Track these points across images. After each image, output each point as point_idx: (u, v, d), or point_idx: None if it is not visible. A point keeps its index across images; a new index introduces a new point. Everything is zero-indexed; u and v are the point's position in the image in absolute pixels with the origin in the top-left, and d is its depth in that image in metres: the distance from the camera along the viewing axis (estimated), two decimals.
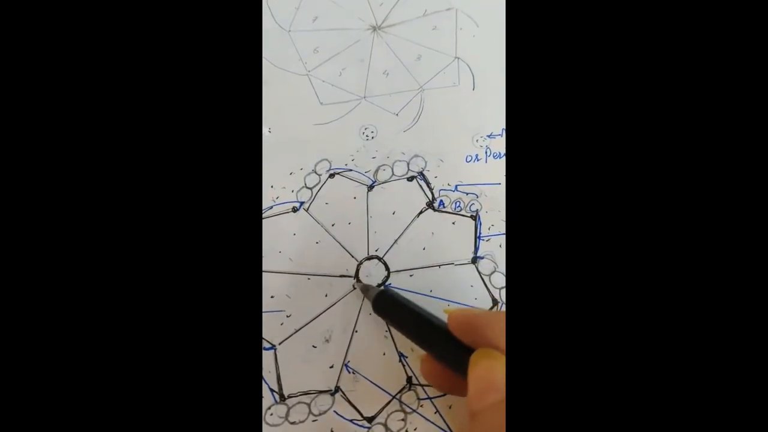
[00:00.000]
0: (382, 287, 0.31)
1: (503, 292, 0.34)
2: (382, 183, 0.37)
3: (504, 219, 0.36)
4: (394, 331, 0.33)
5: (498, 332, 0.23)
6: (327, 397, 0.31)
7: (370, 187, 0.37)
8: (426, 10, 0.44)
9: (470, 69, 0.41)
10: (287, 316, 0.33)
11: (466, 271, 0.35)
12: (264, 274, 0.33)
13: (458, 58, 0.42)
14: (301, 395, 0.31)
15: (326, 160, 0.37)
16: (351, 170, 0.37)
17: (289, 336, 0.32)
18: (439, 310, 0.32)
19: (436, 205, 0.37)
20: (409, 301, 0.29)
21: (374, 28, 0.43)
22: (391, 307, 0.30)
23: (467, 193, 0.37)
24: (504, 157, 0.38)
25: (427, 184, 0.37)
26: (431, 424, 0.31)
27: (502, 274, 0.34)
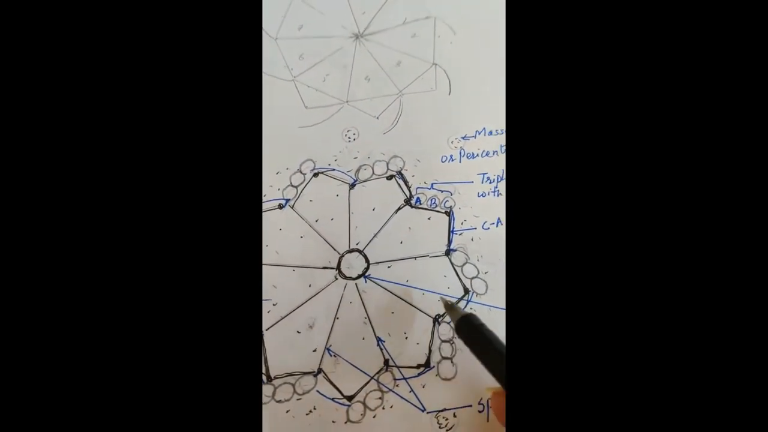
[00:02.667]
0: (468, 313, 0.31)
1: (474, 281, 0.37)
2: (363, 182, 0.40)
3: (476, 215, 0.39)
4: (372, 317, 0.35)
5: None
6: (310, 378, 0.34)
7: (352, 186, 0.40)
8: (406, 19, 0.47)
9: (447, 74, 0.44)
10: (274, 305, 0.36)
11: (439, 263, 0.37)
12: None
13: (436, 65, 0.45)
14: (286, 376, 0.34)
15: (311, 160, 0.40)
16: (334, 170, 0.40)
17: (276, 323, 0.35)
18: (415, 298, 0.35)
19: (413, 202, 0.39)
20: (490, 333, 0.29)
21: (356, 36, 0.46)
22: (473, 334, 0.30)
23: (442, 191, 0.40)
24: (476, 157, 0.41)
25: (405, 182, 0.40)
26: (406, 402, 0.33)
27: (474, 265, 0.37)
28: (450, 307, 0.33)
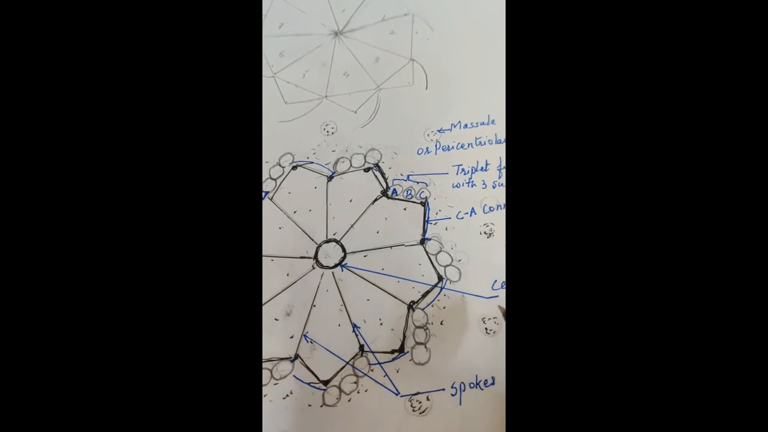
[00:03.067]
0: None
1: (448, 269, 0.38)
2: (341, 174, 0.41)
3: (450, 205, 0.40)
4: (348, 304, 0.36)
5: None
6: (287, 364, 0.35)
7: (330, 178, 0.41)
8: (384, 16, 0.48)
9: (424, 70, 0.45)
10: None
11: (414, 251, 0.38)
12: None
13: (413, 60, 0.46)
14: (264, 362, 0.35)
15: (289, 153, 0.41)
16: (312, 162, 0.41)
17: None
18: (391, 286, 0.36)
19: (389, 193, 0.40)
20: None
21: (336, 33, 0.47)
22: None
23: (418, 182, 0.41)
24: (452, 150, 0.42)
25: (382, 174, 0.41)
26: (380, 386, 0.34)
27: (448, 253, 0.38)
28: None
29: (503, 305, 0.35)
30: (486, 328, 0.35)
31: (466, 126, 0.43)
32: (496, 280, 0.37)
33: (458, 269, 0.38)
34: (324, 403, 0.34)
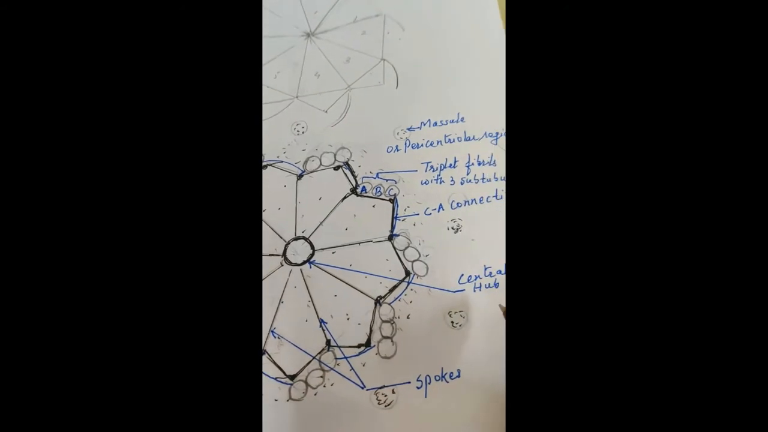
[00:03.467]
0: None
1: (415, 264, 0.38)
2: (311, 172, 0.41)
3: (419, 201, 0.40)
4: (315, 300, 0.37)
5: None
6: None
7: (300, 177, 0.41)
8: (357, 17, 0.49)
9: (395, 69, 0.46)
10: None
11: (382, 247, 0.39)
12: None
13: (384, 60, 0.46)
14: None
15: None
16: (282, 162, 0.42)
17: None
18: (358, 282, 0.37)
19: (358, 190, 0.41)
20: None
21: (308, 35, 0.48)
22: None
23: (387, 180, 0.41)
24: (421, 147, 0.42)
25: (352, 172, 0.41)
26: (346, 380, 0.35)
27: (415, 249, 0.39)
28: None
29: (503, 304, 0.35)
30: (452, 322, 0.36)
31: (435, 124, 0.43)
32: (462, 274, 0.37)
33: (425, 264, 0.38)
34: (290, 398, 0.34)
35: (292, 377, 0.35)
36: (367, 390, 0.34)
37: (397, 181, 0.41)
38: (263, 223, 0.39)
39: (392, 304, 0.37)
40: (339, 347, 0.36)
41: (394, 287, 0.37)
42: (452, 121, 0.43)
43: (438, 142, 0.42)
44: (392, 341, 0.36)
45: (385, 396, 0.34)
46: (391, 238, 0.39)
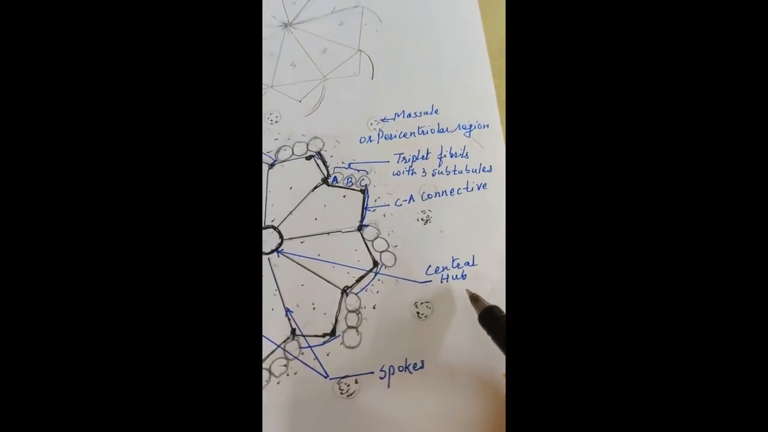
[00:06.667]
0: (491, 305, 0.32)
1: (384, 255, 0.38)
2: (282, 162, 0.41)
3: (390, 192, 0.40)
4: (282, 289, 0.37)
5: None
6: None
7: (271, 166, 0.41)
8: (335, 8, 0.48)
9: (371, 60, 0.46)
10: None
11: (351, 237, 0.39)
12: None
13: (361, 51, 0.46)
14: None
15: None
16: None
17: None
18: (326, 271, 0.36)
19: (330, 181, 0.41)
20: None
21: (285, 25, 0.47)
22: (495, 324, 0.31)
23: (359, 170, 0.41)
24: (394, 138, 0.42)
25: (324, 162, 0.41)
26: (309, 369, 0.35)
27: (384, 239, 0.38)
28: (475, 299, 0.34)
29: (471, 289, 0.35)
30: (418, 312, 0.36)
31: (409, 115, 0.43)
32: (429, 266, 0.37)
33: (394, 255, 0.38)
34: None
35: None
36: (330, 379, 0.34)
37: (368, 171, 0.41)
38: None
39: (359, 294, 0.36)
40: (304, 336, 0.36)
41: (362, 277, 0.37)
42: (426, 113, 0.43)
43: (411, 133, 0.42)
44: (357, 331, 0.36)
45: (348, 386, 0.34)
46: (360, 228, 0.39)
